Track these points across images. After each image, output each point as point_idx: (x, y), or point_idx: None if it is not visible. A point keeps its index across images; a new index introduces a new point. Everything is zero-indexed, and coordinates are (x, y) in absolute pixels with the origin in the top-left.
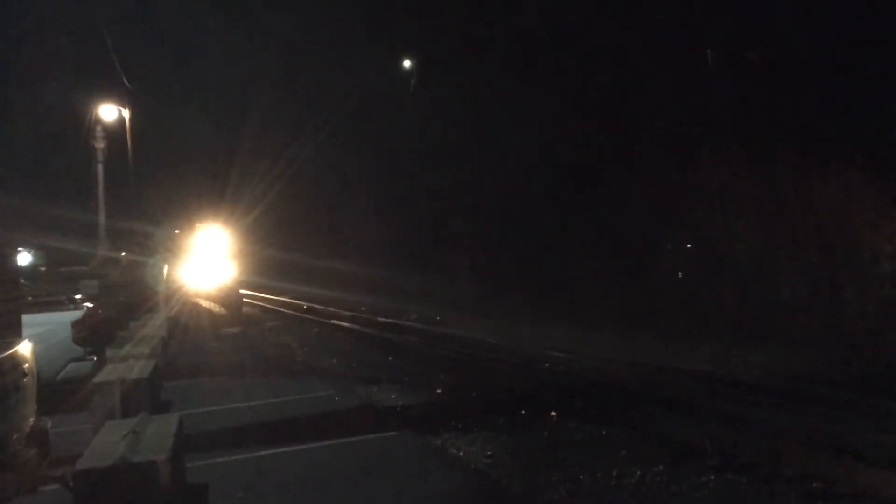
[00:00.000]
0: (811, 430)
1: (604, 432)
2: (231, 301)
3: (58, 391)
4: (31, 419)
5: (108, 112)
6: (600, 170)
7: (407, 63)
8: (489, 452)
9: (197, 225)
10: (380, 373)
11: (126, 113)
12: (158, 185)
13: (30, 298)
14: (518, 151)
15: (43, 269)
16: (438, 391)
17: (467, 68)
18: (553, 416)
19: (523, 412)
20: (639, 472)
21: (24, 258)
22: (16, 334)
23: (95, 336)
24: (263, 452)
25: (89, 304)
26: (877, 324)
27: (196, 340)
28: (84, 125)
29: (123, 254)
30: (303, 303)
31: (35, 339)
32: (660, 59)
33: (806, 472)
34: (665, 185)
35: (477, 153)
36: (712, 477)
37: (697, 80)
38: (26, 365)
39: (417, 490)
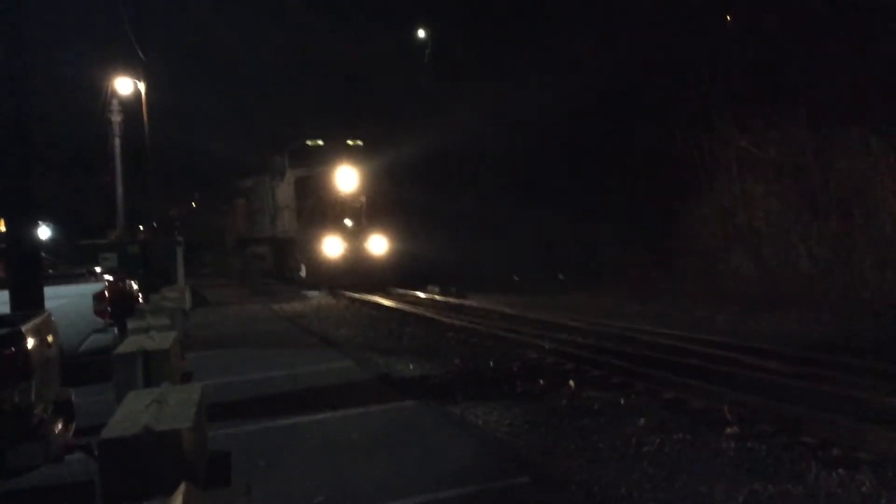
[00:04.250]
0: (831, 396)
1: (622, 401)
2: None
3: (80, 362)
4: (56, 389)
5: (124, 85)
6: (618, 138)
7: (421, 33)
8: (507, 421)
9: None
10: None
11: (142, 86)
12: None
13: (51, 271)
14: (534, 117)
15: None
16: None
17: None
18: (571, 384)
19: (541, 381)
20: (658, 440)
21: (43, 232)
22: (38, 306)
23: (117, 308)
24: (284, 421)
25: (109, 277)
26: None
27: None
28: (101, 98)
29: (141, 227)
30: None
31: (57, 311)
32: (679, 21)
33: (826, 438)
34: (683, 151)
35: (490, 122)
36: (732, 444)
37: (717, 44)
38: (50, 336)
39: (438, 458)
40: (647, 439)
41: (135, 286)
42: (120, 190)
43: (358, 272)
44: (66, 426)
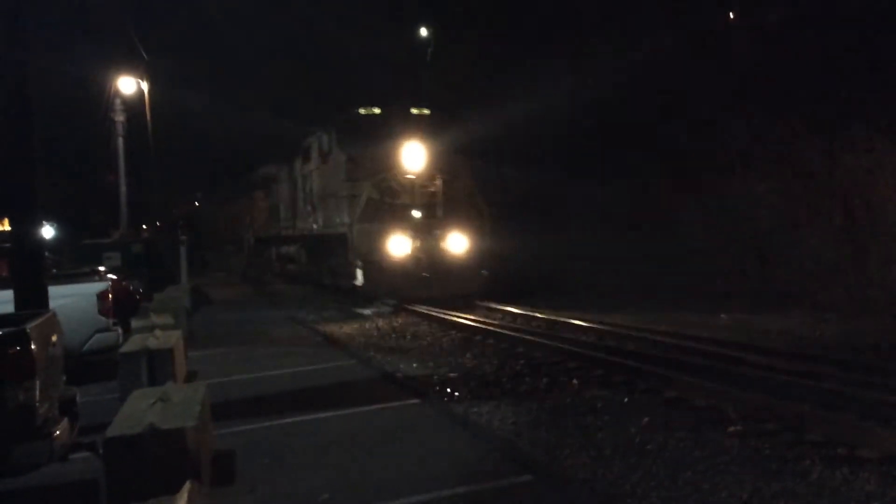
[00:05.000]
0: (835, 394)
1: (626, 399)
2: None
3: (85, 361)
4: (61, 388)
5: (127, 85)
6: (620, 137)
7: (424, 32)
8: (512, 420)
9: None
10: None
11: (145, 85)
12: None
13: (54, 271)
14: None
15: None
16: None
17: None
18: (575, 383)
19: (545, 380)
20: (661, 438)
21: (47, 231)
22: (42, 305)
23: (120, 307)
24: (288, 420)
25: (113, 276)
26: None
27: None
28: (104, 98)
29: (144, 227)
30: None
31: (61, 311)
32: (680, 19)
33: (830, 437)
34: (686, 150)
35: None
36: (736, 442)
37: (719, 41)
38: (54, 336)
39: (441, 456)
40: (650, 437)
41: (138, 285)
42: (123, 189)
43: (432, 280)
44: (70, 425)
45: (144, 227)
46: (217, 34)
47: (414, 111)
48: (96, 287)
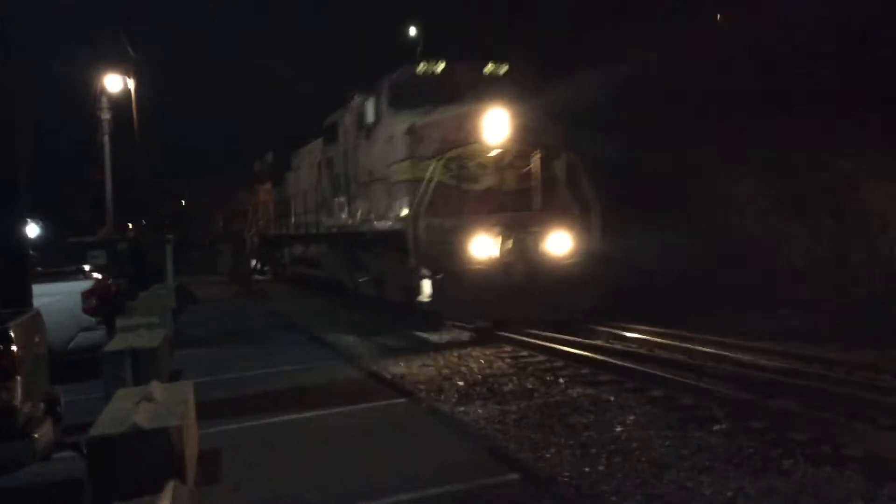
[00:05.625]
0: (820, 393)
1: (612, 398)
2: None
3: (69, 360)
4: (44, 387)
5: (114, 83)
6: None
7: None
8: (498, 419)
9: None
10: None
11: (132, 83)
12: None
13: (39, 269)
14: None
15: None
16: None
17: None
18: (561, 382)
19: (531, 379)
20: (647, 437)
21: (32, 229)
22: (27, 304)
23: (105, 306)
24: (275, 419)
25: (98, 275)
26: (885, 287)
27: None
28: (90, 95)
29: (130, 225)
30: None
31: (45, 309)
32: (666, 18)
33: (814, 435)
34: (672, 151)
35: None
36: (721, 440)
37: (704, 39)
38: (38, 335)
39: (428, 455)
40: (635, 435)
41: (124, 284)
42: (109, 187)
43: (529, 293)
44: (54, 424)
45: (130, 225)
46: (207, 28)
47: (490, 67)
48: (81, 285)
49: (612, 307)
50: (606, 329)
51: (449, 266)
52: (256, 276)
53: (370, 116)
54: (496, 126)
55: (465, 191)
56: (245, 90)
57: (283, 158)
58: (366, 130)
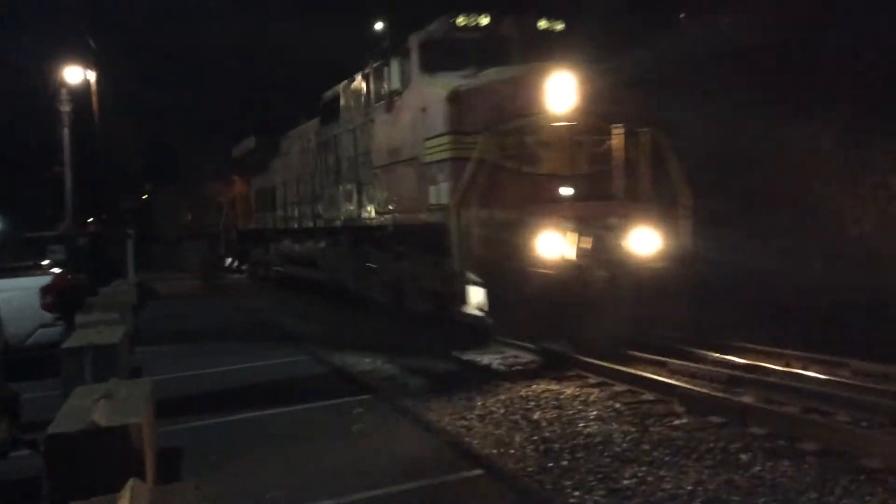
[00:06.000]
0: (778, 389)
1: (577, 392)
2: None
3: (28, 357)
4: (1, 385)
5: (74, 75)
6: None
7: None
8: (464, 415)
9: None
10: None
11: (92, 75)
12: None
13: None
14: None
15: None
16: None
17: None
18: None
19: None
20: (609, 431)
21: None
22: None
23: (64, 301)
24: (238, 416)
25: (57, 270)
26: (843, 287)
27: None
28: (49, 87)
29: (91, 220)
30: None
31: (2, 305)
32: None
33: (771, 430)
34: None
35: None
36: (681, 434)
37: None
38: None
39: (393, 452)
40: (598, 430)
41: (83, 279)
42: (69, 181)
43: (614, 305)
44: (11, 422)
45: (91, 220)
46: (171, 24)
47: (542, 23)
48: (40, 281)
49: (725, 323)
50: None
51: (507, 269)
52: (233, 275)
53: (394, 82)
54: (563, 93)
55: (524, 174)
56: (220, 71)
57: (268, 143)
58: (385, 102)
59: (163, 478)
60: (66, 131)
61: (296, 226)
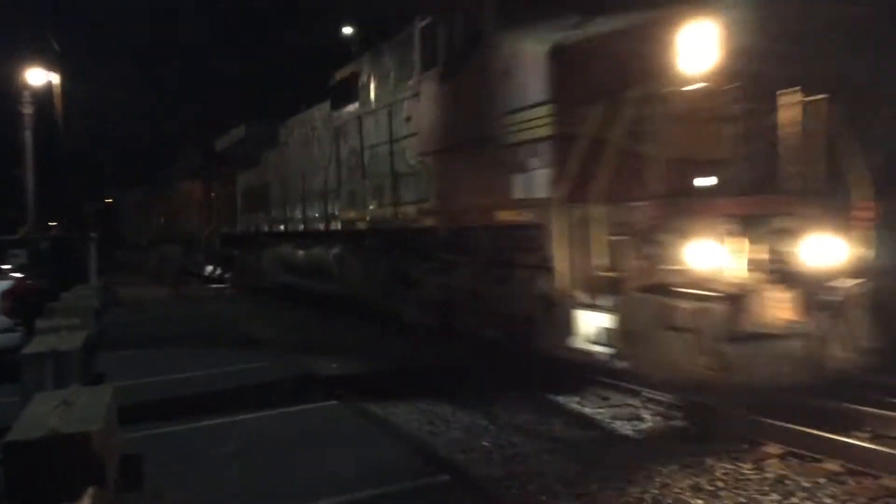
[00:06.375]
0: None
1: (549, 397)
2: None
3: None
4: None
5: (36, 76)
6: None
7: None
8: (429, 421)
9: None
10: None
11: (55, 77)
12: None
13: None
14: None
15: None
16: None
17: None
18: (493, 386)
19: (463, 384)
20: (578, 436)
21: None
22: None
23: (25, 306)
24: (202, 423)
25: (17, 274)
26: None
27: None
28: (10, 90)
29: (53, 223)
30: None
31: None
32: None
33: (735, 433)
34: None
35: None
36: (645, 438)
37: None
38: None
39: (361, 458)
40: (567, 435)
41: (45, 284)
42: (31, 184)
43: (805, 340)
44: None
45: (53, 223)
46: (138, 25)
47: None
48: None
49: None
50: None
51: (643, 290)
52: (216, 284)
53: (458, 40)
54: (704, 49)
55: (658, 159)
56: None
57: (261, 133)
58: (439, 71)
59: (124, 486)
60: (27, 133)
61: (300, 228)
